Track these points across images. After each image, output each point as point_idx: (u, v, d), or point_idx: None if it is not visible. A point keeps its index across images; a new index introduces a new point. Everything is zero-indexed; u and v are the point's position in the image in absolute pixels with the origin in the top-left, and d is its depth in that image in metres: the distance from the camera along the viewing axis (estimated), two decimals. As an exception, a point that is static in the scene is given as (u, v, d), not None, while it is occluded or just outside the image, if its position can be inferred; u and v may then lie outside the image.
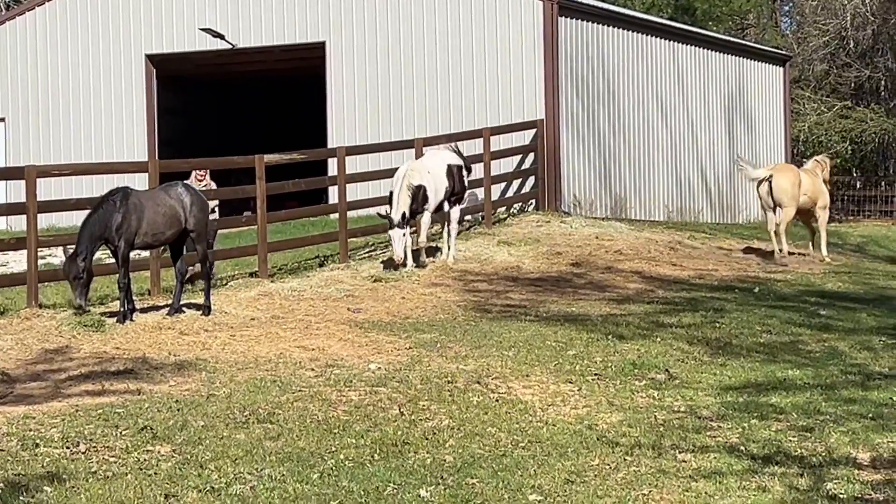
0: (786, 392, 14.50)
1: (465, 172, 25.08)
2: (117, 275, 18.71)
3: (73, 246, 17.98)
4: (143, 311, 18.95)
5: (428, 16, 34.22)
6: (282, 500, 10.56)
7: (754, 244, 29.78)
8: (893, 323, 19.31)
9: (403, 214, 23.14)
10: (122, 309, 18.38)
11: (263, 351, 16.55)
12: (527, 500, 10.63)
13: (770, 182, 27.50)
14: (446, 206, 24.58)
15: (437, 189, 23.88)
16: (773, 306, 20.85)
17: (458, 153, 25.42)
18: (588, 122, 34.37)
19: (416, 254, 23.98)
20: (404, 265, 23.44)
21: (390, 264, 23.65)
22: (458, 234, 28.22)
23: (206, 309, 18.95)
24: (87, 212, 18.56)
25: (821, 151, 54.07)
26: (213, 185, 24.49)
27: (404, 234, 23.28)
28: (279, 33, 36.08)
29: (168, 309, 19.01)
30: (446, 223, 24.95)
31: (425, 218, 23.76)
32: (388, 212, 23.36)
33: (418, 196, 23.42)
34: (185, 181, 20.76)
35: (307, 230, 29.00)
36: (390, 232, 23.34)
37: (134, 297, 18.93)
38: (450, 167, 24.51)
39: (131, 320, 18.24)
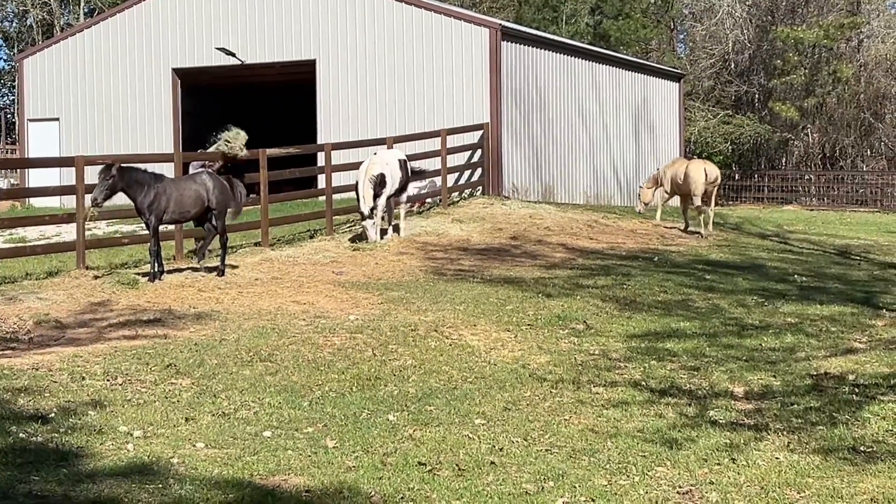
0: (678, 339, 14.57)
1: (409, 167, 24.99)
2: (147, 243, 18.68)
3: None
4: (169, 272, 18.85)
5: (398, 39, 34.16)
6: (279, 423, 10.56)
7: (655, 222, 29.87)
8: (763, 286, 19.40)
9: (371, 208, 23.12)
10: (152, 270, 18.33)
11: (265, 305, 16.51)
12: (473, 424, 10.65)
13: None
14: (396, 194, 24.43)
15: (393, 177, 23.77)
16: (668, 272, 20.92)
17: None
18: (524, 125, 34.37)
19: (382, 232, 23.91)
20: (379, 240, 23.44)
21: (359, 238, 23.60)
22: (420, 213, 28.24)
23: (220, 271, 18.92)
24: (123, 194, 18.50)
25: (708, 151, 54.43)
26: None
27: (374, 223, 23.27)
28: (279, 52, 35.97)
29: (195, 254, 19.02)
30: (397, 207, 24.87)
31: (381, 201, 23.61)
32: (358, 205, 23.34)
33: (379, 182, 23.31)
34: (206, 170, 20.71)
35: (300, 209, 28.91)
36: (363, 223, 23.33)
37: (163, 262, 18.83)
38: (401, 161, 24.43)
39: (160, 280, 18.17)
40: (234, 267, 19.63)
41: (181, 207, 18.56)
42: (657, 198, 30.89)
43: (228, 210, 19.28)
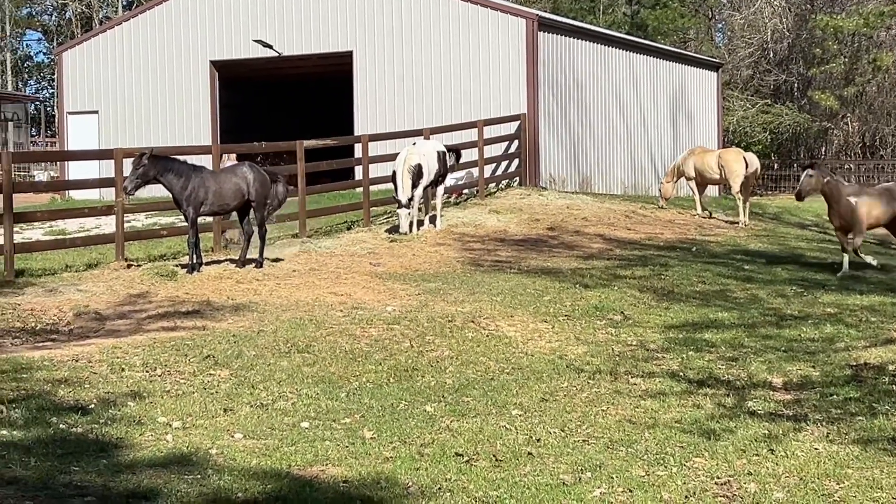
0: (716, 330, 14.51)
1: (447, 158, 24.92)
2: (185, 235, 18.75)
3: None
4: (207, 264, 18.93)
5: (434, 30, 34.17)
6: (316, 414, 10.58)
7: (693, 213, 29.74)
8: (802, 276, 19.30)
9: (409, 197, 23.09)
10: (191, 262, 18.39)
11: (302, 296, 16.54)
12: (510, 415, 10.64)
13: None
14: (433, 185, 24.41)
15: (430, 169, 23.74)
16: (707, 262, 20.84)
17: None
18: (561, 116, 34.30)
19: (411, 224, 23.87)
20: (410, 230, 23.41)
21: (396, 230, 23.60)
22: (457, 204, 28.25)
23: (258, 263, 18.91)
24: (161, 186, 18.57)
25: (746, 140, 54.11)
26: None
27: (409, 213, 23.26)
28: (316, 44, 36.03)
29: (236, 263, 18.95)
30: (434, 199, 24.85)
31: (418, 192, 23.60)
32: (395, 194, 23.32)
33: (416, 173, 23.28)
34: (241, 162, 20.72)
35: (338, 201, 29.00)
36: (399, 211, 23.30)
37: (202, 254, 18.87)
38: (439, 153, 24.41)
39: (199, 271, 18.23)
40: (276, 260, 19.65)
41: (220, 199, 18.55)
42: (675, 190, 30.79)
43: (269, 209, 19.22)
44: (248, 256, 19.06)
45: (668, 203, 30.59)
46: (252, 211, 19.01)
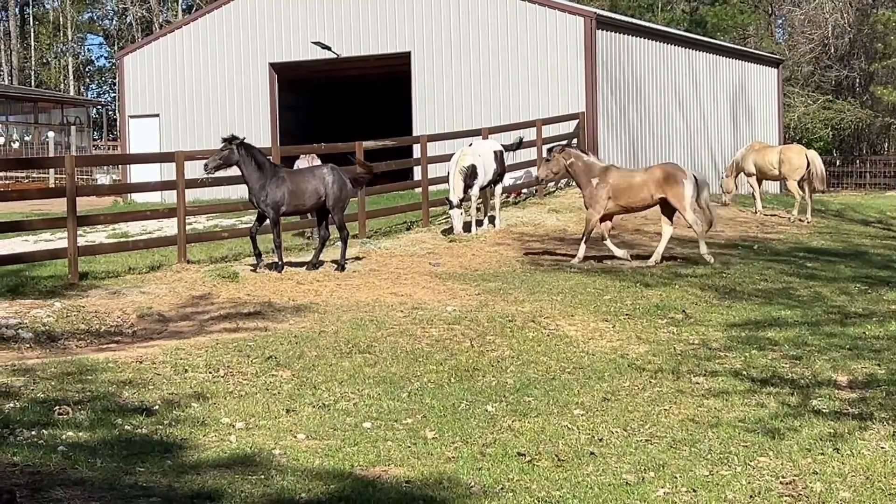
0: (779, 328, 14.40)
1: (504, 157, 24.88)
2: (269, 236, 18.98)
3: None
4: (268, 265, 19.02)
5: (492, 29, 34.17)
6: (378, 414, 10.61)
7: (754, 211, 29.49)
8: (866, 273, 19.11)
9: (460, 198, 23.09)
10: (279, 262, 18.50)
11: (363, 297, 16.59)
12: (572, 414, 10.62)
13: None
14: (492, 185, 24.37)
15: (486, 169, 23.69)
16: (769, 260, 20.70)
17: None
18: (619, 114, 34.18)
19: (467, 225, 23.85)
20: (468, 230, 23.42)
21: (449, 231, 23.57)
22: (516, 204, 28.21)
23: (340, 266, 18.85)
24: (222, 188, 18.73)
25: (808, 137, 53.65)
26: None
27: (461, 213, 23.26)
28: (374, 45, 36.13)
29: (307, 265, 19.02)
30: (493, 198, 24.81)
31: (474, 192, 23.56)
32: (448, 195, 23.33)
33: (470, 174, 23.24)
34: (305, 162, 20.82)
35: (397, 201, 29.07)
36: (450, 212, 23.32)
37: (262, 253, 18.92)
38: (496, 152, 24.36)
39: (282, 271, 18.28)
40: (357, 259, 19.73)
41: (297, 199, 18.62)
42: (736, 186, 30.60)
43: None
44: (320, 258, 19.04)
45: (730, 199, 30.36)
46: (330, 214, 19.00)
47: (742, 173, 29.80)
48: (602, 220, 20.06)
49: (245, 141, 18.48)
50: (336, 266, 18.84)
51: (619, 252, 20.15)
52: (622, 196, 19.89)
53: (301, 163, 23.96)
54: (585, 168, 20.12)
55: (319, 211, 19.10)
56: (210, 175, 18.60)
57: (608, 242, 20.28)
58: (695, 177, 20.09)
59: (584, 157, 20.49)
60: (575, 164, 20.16)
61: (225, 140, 18.33)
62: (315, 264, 18.90)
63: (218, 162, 18.16)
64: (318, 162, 25.48)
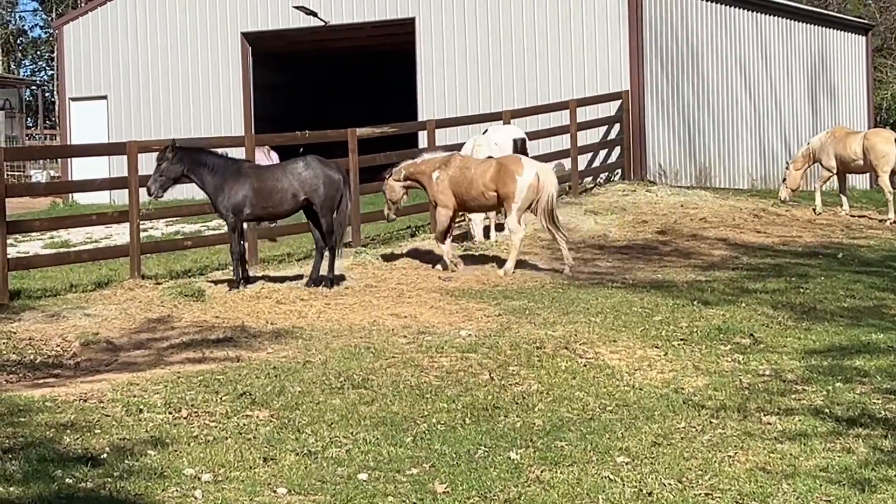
0: (870, 355, 14.38)
1: (527, 146, 24.91)
2: (226, 245, 19.03)
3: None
4: (228, 283, 19.02)
5: (514, -10, 34.21)
6: (376, 463, 10.62)
7: (838, 211, 29.50)
8: (977, 287, 19.09)
9: None
10: (235, 276, 18.55)
11: (357, 319, 16.61)
12: (615, 462, 10.62)
13: None
14: None
15: None
16: (857, 271, 20.68)
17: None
18: (672, 93, 34.20)
19: (485, 229, 23.86)
20: (486, 237, 23.47)
21: (463, 238, 23.61)
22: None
23: (328, 281, 18.83)
24: (185, 186, 18.78)
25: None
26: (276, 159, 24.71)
27: (482, 217, 23.28)
28: (370, 10, 36.17)
29: (308, 281, 19.02)
30: None
31: None
32: None
33: None
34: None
35: (399, 201, 29.10)
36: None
37: (251, 278, 18.94)
38: (515, 141, 24.42)
39: (243, 288, 18.29)
40: (349, 272, 19.72)
41: (265, 201, 18.55)
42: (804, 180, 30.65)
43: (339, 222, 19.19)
44: (320, 273, 19.05)
45: (796, 196, 30.34)
46: (318, 218, 18.94)
47: (819, 165, 29.78)
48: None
49: (179, 144, 18.47)
50: (323, 282, 18.84)
51: (446, 257, 20.60)
52: (460, 190, 20.25)
53: (259, 157, 23.98)
54: (424, 167, 20.54)
55: (309, 215, 19.09)
56: (158, 198, 18.61)
57: (445, 244, 20.67)
58: (538, 174, 20.12)
59: (416, 161, 20.88)
60: (412, 174, 20.60)
61: (159, 154, 18.31)
62: (317, 280, 18.89)
63: (163, 180, 18.17)
64: (275, 156, 25.55)
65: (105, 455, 10.51)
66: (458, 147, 25.82)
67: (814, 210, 29.07)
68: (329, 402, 12.47)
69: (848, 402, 12.47)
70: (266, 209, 18.80)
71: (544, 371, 13.80)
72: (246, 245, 19.14)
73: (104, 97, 39.97)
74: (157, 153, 18.43)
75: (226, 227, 19.23)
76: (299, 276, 19.22)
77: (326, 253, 19.02)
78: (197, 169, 18.24)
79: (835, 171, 29.21)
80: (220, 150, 19.21)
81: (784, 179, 30.86)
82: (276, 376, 13.27)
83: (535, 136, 26.92)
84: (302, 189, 18.64)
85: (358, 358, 14.13)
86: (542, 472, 10.34)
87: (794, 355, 14.58)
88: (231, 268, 19.13)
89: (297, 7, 36.39)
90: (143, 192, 19.27)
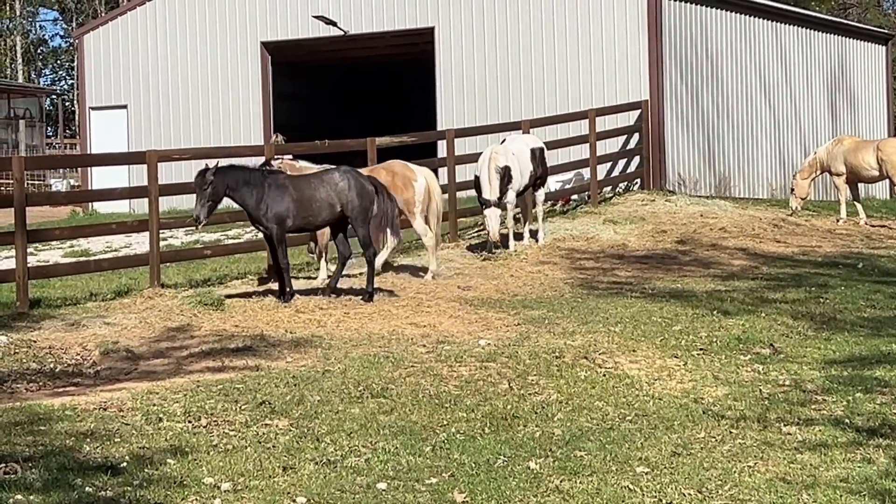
0: (890, 365, 14.34)
1: (545, 156, 24.89)
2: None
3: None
4: (261, 293, 19.04)
5: (533, 1, 34.19)
6: (395, 473, 10.61)
7: (858, 220, 29.45)
8: None
9: (498, 196, 23.05)
10: (287, 289, 18.35)
11: (376, 328, 16.61)
12: (634, 472, 10.60)
13: None
14: (531, 190, 24.44)
15: (521, 171, 23.73)
16: (877, 281, 20.64)
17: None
18: (692, 103, 34.18)
19: (504, 238, 23.83)
20: (505, 246, 23.46)
21: (485, 247, 23.58)
22: (564, 213, 28.22)
23: (367, 295, 18.66)
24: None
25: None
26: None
27: (500, 213, 23.24)
28: (389, 20, 36.21)
29: (326, 289, 18.98)
30: (534, 207, 24.83)
31: (510, 197, 23.57)
32: (479, 197, 23.32)
33: (504, 177, 23.24)
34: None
35: (418, 211, 29.10)
36: (486, 211, 23.22)
37: (294, 291, 18.91)
38: (533, 151, 24.40)
39: (290, 301, 18.21)
40: (339, 289, 19.72)
41: (305, 211, 18.45)
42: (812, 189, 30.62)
43: (389, 238, 19.06)
44: (338, 284, 19.00)
45: (809, 205, 30.32)
46: (350, 227, 18.86)
47: (829, 174, 29.76)
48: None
49: (222, 165, 18.38)
50: (364, 296, 18.68)
51: (322, 274, 20.72)
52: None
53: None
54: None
55: (333, 225, 19.03)
56: (203, 223, 18.47)
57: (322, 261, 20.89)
58: (379, 189, 19.62)
59: (295, 164, 20.91)
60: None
61: (198, 176, 18.10)
62: (335, 289, 18.88)
63: (209, 205, 18.01)
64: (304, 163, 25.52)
65: (125, 464, 10.52)
66: (476, 157, 25.89)
67: (837, 220, 29.05)
68: (348, 411, 12.47)
69: (868, 412, 12.44)
70: (306, 219, 18.69)
71: (563, 381, 13.79)
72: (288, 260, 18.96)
73: (124, 106, 40.06)
74: (195, 179, 18.16)
75: (261, 237, 19.10)
76: (360, 292, 19.12)
77: (351, 261, 19.00)
78: (237, 186, 18.18)
79: (846, 178, 29.20)
80: (250, 163, 19.14)
81: (792, 190, 30.88)
82: (295, 385, 13.28)
83: (554, 145, 26.90)
84: (338, 199, 18.60)
85: (377, 367, 14.13)
86: (561, 481, 10.33)
87: (814, 365, 14.55)
88: (277, 281, 18.90)
89: (316, 16, 36.47)
90: (163, 200, 19.28)
